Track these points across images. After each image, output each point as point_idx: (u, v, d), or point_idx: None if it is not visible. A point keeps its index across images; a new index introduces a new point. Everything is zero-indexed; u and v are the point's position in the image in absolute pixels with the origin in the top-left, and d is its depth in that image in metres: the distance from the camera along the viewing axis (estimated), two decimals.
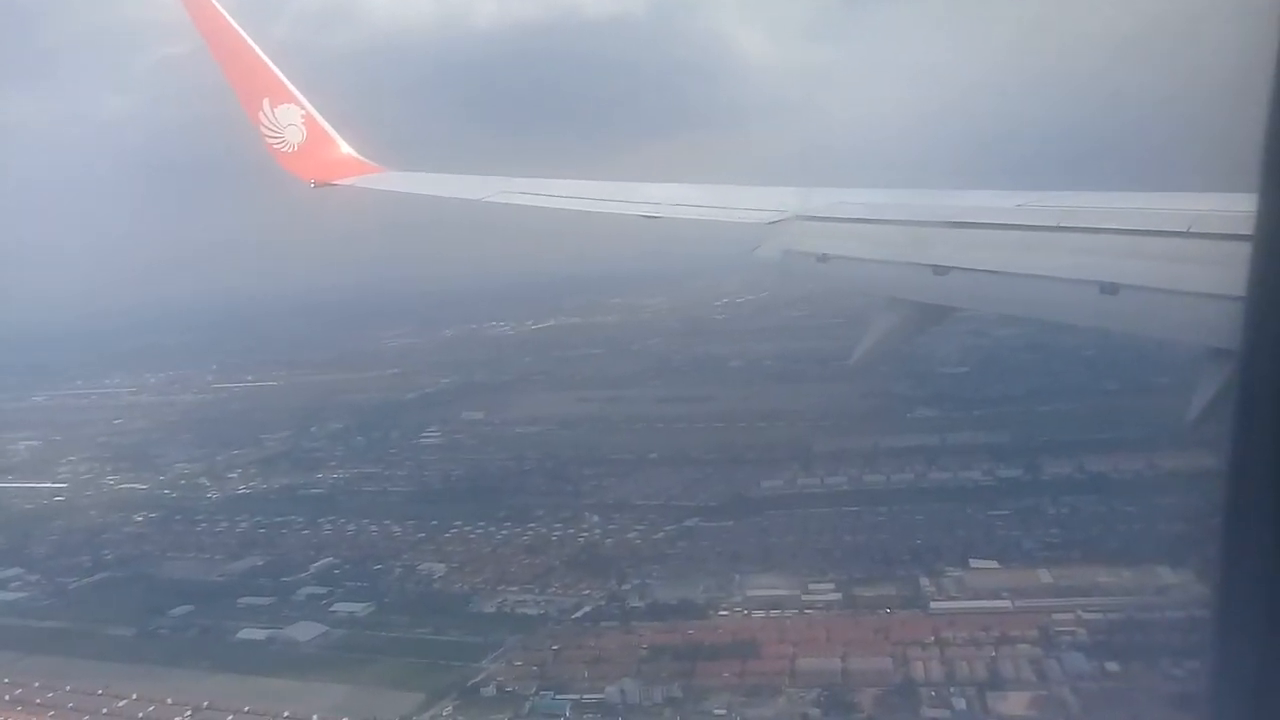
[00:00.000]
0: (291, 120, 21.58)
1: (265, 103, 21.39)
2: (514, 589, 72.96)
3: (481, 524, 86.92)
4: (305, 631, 67.51)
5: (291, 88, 21.67)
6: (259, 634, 68.08)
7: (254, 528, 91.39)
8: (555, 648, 63.11)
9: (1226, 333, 6.04)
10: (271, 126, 21.49)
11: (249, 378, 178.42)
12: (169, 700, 59.86)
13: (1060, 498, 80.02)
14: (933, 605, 64.56)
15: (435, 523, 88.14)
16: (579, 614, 67.76)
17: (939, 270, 10.98)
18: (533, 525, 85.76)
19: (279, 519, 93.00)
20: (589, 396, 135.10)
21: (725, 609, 66.85)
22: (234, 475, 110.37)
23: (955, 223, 11.75)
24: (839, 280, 13.21)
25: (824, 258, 12.70)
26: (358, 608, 71.35)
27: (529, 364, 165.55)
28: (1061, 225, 10.53)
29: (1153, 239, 9.41)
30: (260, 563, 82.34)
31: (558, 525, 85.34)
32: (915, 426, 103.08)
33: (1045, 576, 66.75)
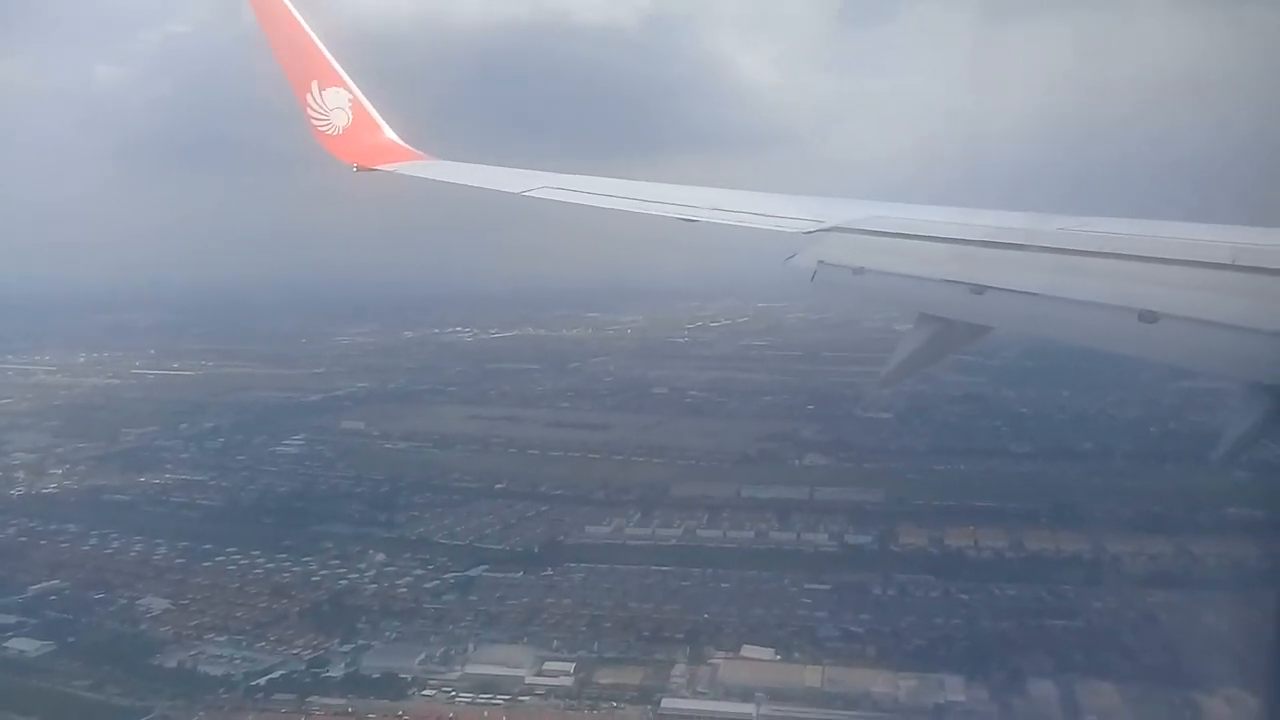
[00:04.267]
0: (339, 104, 21.25)
1: (314, 85, 21.05)
2: (221, 639, 62.86)
3: (255, 552, 76.88)
4: None
5: (341, 72, 21.28)
6: None
7: (15, 536, 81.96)
8: None
9: (1265, 367, 7.27)
10: (318, 109, 21.17)
11: (175, 365, 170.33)
12: None
13: (894, 575, 69.22)
14: (665, 703, 53.94)
15: (208, 547, 78.23)
16: (261, 679, 57.26)
17: (976, 289, 10.22)
18: (307, 559, 75.60)
19: (52, 528, 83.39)
20: (485, 415, 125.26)
21: (430, 688, 56.35)
22: (58, 471, 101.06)
23: (995, 243, 11.07)
24: (873, 294, 12.73)
25: (859, 271, 11.90)
26: (33, 646, 61.40)
27: (455, 374, 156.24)
28: (1103, 251, 10.00)
29: (1194, 269, 9.00)
30: None
31: (333, 562, 75.24)
32: (792, 475, 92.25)
33: (813, 677, 55.85)
